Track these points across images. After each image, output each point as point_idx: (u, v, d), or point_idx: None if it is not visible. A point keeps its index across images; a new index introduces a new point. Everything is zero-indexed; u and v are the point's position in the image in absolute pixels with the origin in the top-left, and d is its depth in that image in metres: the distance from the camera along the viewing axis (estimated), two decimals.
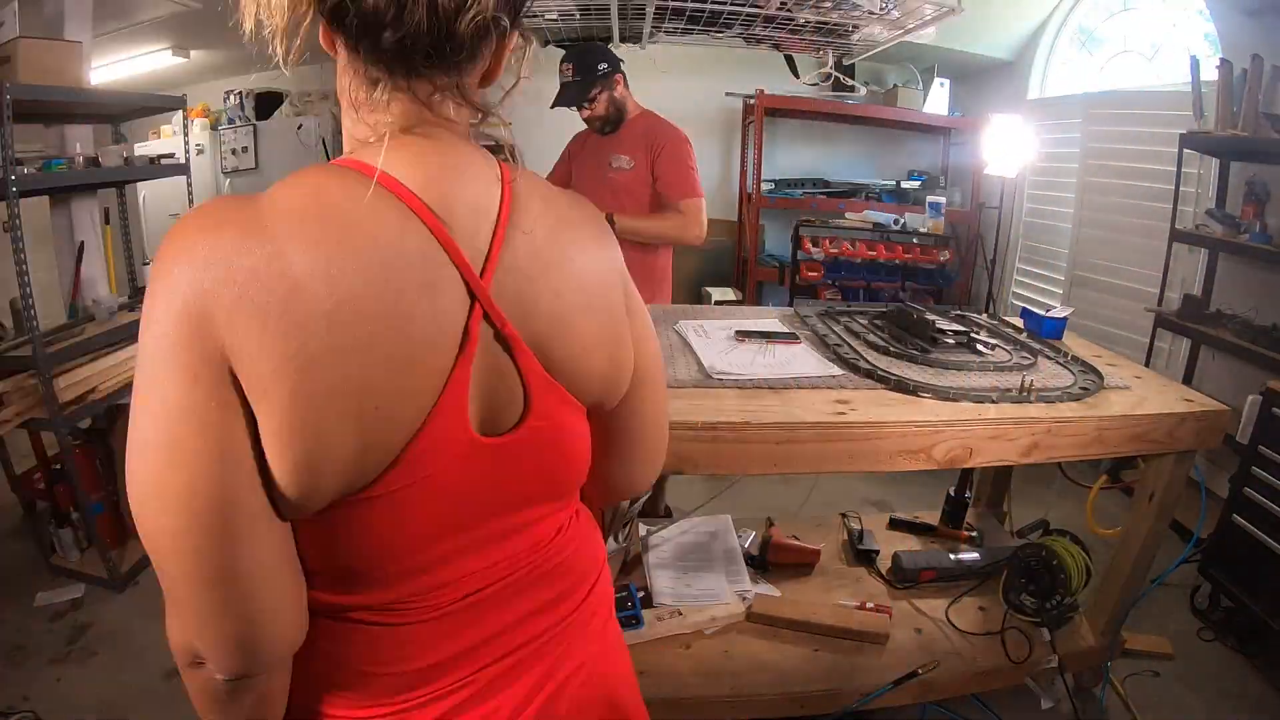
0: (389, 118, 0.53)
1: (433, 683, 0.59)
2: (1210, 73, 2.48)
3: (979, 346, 1.58)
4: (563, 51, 2.48)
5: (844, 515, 2.10)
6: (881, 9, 1.87)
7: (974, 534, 2.06)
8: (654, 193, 2.13)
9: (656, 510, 2.21)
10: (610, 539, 1.75)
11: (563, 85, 2.06)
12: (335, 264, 0.47)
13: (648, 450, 0.76)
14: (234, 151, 4.39)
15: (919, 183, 4.38)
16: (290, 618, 0.53)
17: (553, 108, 2.09)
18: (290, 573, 0.52)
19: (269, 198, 0.49)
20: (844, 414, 1.26)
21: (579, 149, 2.25)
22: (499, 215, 0.55)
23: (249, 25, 0.51)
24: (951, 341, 1.59)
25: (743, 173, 4.66)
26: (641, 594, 1.68)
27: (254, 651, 0.51)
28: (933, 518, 2.12)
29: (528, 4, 0.56)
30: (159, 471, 0.46)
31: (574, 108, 2.11)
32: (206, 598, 0.48)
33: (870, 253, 3.91)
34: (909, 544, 2.01)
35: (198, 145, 4.31)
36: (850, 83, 3.58)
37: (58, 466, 2.25)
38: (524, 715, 0.63)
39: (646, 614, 1.62)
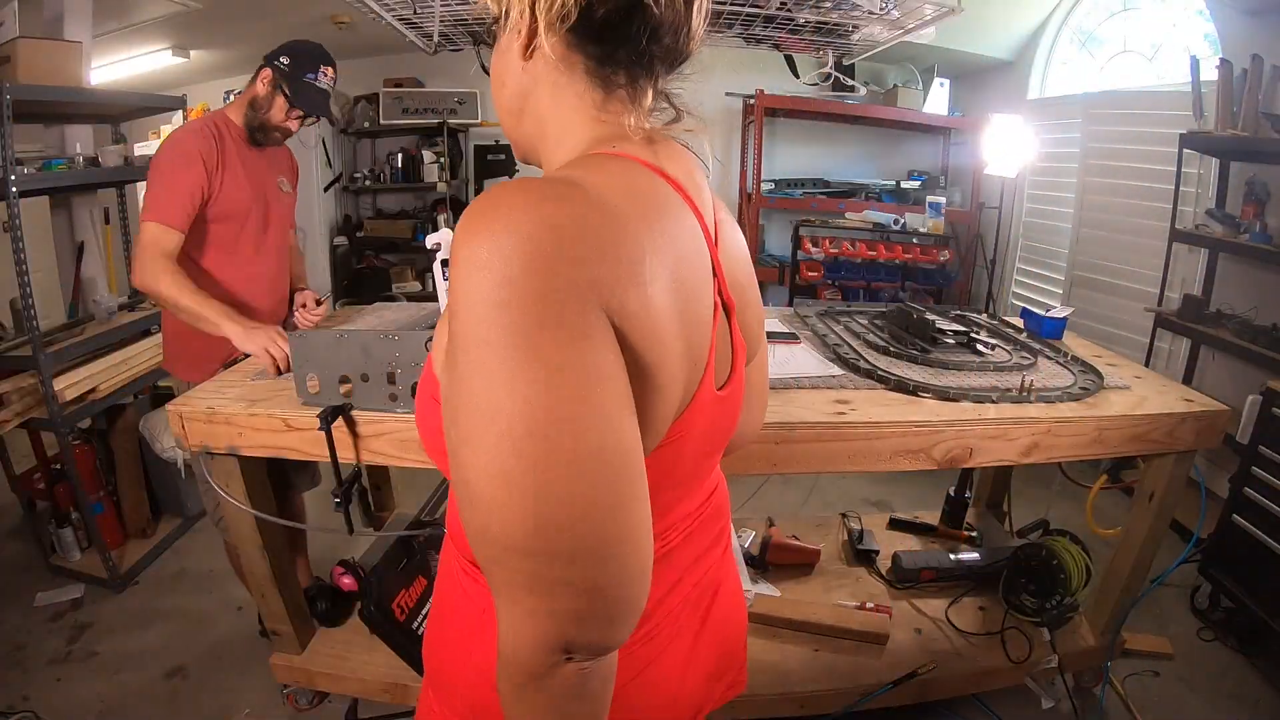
0: (639, 117, 0.58)
1: (644, 624, 0.63)
2: (1210, 73, 2.48)
3: (979, 346, 1.58)
4: None
5: (844, 515, 2.10)
6: (881, 9, 1.87)
7: (974, 534, 2.06)
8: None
9: None
10: None
11: (324, 92, 1.68)
12: (665, 239, 0.51)
13: (763, 401, 0.85)
14: None
15: (919, 183, 4.38)
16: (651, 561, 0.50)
17: (310, 116, 1.70)
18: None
19: (588, 180, 0.49)
20: (844, 414, 1.27)
21: (225, 160, 1.61)
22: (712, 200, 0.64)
23: (495, 10, 0.57)
24: (951, 341, 1.59)
25: (743, 173, 4.66)
26: None
27: (638, 609, 0.48)
28: (933, 518, 2.12)
29: None
30: (561, 439, 0.42)
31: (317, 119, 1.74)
32: (608, 565, 0.45)
33: (870, 253, 3.91)
34: (909, 544, 2.02)
35: None
36: (850, 83, 3.57)
37: (58, 466, 2.25)
38: (699, 643, 0.71)
39: None
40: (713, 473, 0.73)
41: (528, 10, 0.54)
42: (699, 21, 0.57)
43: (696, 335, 0.55)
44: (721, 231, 0.64)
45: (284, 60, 1.62)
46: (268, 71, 1.63)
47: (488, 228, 0.44)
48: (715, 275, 0.59)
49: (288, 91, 1.62)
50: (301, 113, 1.66)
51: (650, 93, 0.58)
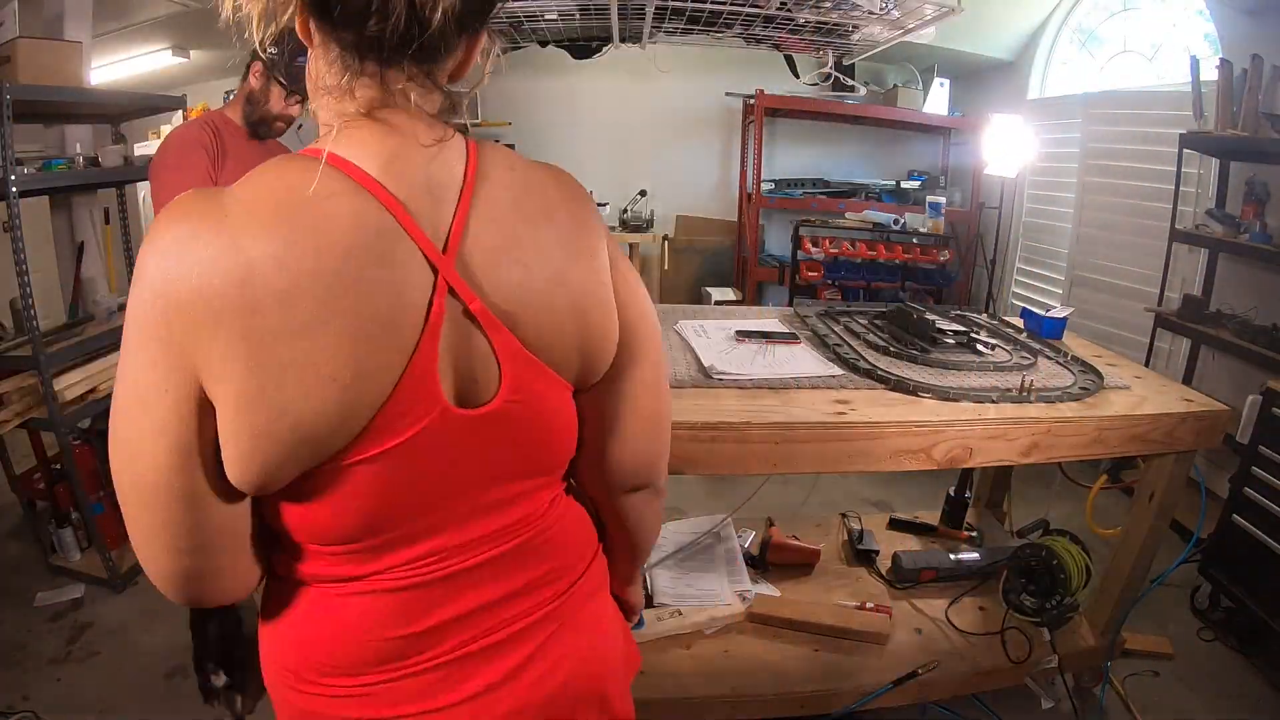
0: (353, 105, 0.54)
1: (415, 655, 0.61)
2: (1210, 73, 2.48)
3: (979, 346, 1.58)
4: (563, 52, 2.46)
5: (844, 515, 2.10)
6: (881, 9, 1.87)
7: (974, 534, 2.06)
8: None
9: None
10: None
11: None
12: (289, 247, 0.49)
13: (641, 430, 0.72)
14: None
15: (919, 183, 4.38)
16: (230, 580, 0.60)
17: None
18: (234, 546, 0.58)
19: (231, 190, 0.52)
20: (844, 414, 1.26)
21: (224, 150, 1.67)
22: (462, 191, 0.57)
23: (226, 9, 0.54)
24: (951, 341, 1.59)
25: (743, 173, 4.66)
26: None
27: (189, 598, 0.59)
28: (933, 518, 2.12)
29: (497, 7, 0.57)
30: (119, 432, 0.53)
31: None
32: (148, 546, 0.55)
33: (870, 253, 3.91)
34: (909, 544, 2.01)
35: None
36: (850, 83, 3.58)
37: (58, 466, 2.25)
38: (504, 693, 0.64)
39: (646, 614, 1.62)
40: (512, 506, 0.64)
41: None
42: (402, 6, 0.50)
43: (352, 345, 0.51)
44: (505, 219, 0.58)
45: (271, 50, 1.63)
46: (258, 65, 1.64)
47: (146, 238, 0.51)
48: (436, 274, 0.54)
49: (282, 78, 1.64)
50: (300, 96, 1.68)
51: (361, 75, 0.53)
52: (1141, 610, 1.71)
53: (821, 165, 4.58)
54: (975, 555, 1.86)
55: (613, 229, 4.40)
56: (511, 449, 0.62)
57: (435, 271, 0.54)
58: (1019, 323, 1.86)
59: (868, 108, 4.15)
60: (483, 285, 0.56)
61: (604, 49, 2.60)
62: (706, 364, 1.45)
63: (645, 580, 1.75)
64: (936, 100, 4.11)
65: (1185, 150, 2.57)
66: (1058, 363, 1.57)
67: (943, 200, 3.93)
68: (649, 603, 1.67)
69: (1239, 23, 2.56)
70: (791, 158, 4.66)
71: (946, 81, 4.12)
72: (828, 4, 1.86)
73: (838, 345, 1.60)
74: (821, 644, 1.61)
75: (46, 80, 2.09)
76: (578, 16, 2.21)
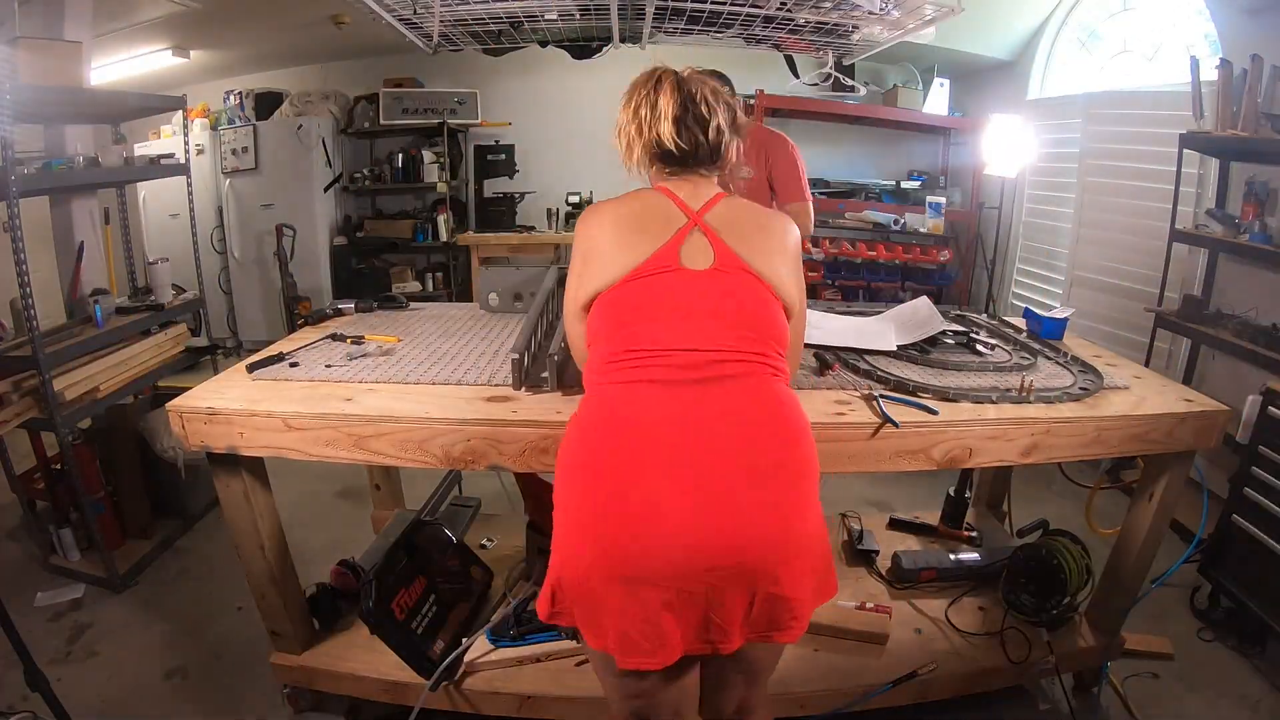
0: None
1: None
2: (1210, 73, 2.48)
3: (979, 347, 1.58)
4: (563, 52, 2.47)
5: (844, 515, 2.10)
6: (881, 9, 1.87)
7: (974, 534, 2.06)
8: (772, 199, 2.34)
9: None
10: None
11: None
12: (623, 209, 1.12)
13: (796, 347, 1.18)
14: (234, 152, 4.38)
15: (919, 183, 4.38)
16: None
17: None
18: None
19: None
20: (843, 414, 1.27)
21: None
22: (709, 202, 1.11)
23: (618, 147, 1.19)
24: (951, 342, 1.59)
25: None
26: None
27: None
28: (933, 518, 2.12)
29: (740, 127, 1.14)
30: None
31: None
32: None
33: (870, 253, 3.91)
34: (909, 544, 2.02)
35: (198, 145, 4.30)
36: (850, 83, 3.58)
37: (58, 466, 2.25)
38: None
39: None
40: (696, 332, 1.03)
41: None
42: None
43: (637, 240, 1.07)
44: (719, 209, 1.10)
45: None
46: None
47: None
48: (688, 219, 1.08)
49: None
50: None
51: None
52: (1141, 610, 1.71)
53: (821, 165, 4.58)
54: (975, 555, 1.86)
55: None
56: (723, 299, 1.04)
57: (687, 218, 1.08)
58: (1019, 323, 1.86)
59: (868, 108, 4.15)
60: (717, 225, 1.08)
61: (604, 49, 2.60)
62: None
63: None
64: (936, 100, 4.11)
65: (1185, 150, 2.57)
66: (1057, 363, 1.57)
67: (943, 200, 3.93)
68: None
69: (1239, 23, 2.56)
70: None
71: (946, 81, 4.11)
72: (828, 4, 1.86)
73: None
74: (821, 644, 1.61)
75: (46, 80, 2.09)
76: (578, 16, 2.21)
